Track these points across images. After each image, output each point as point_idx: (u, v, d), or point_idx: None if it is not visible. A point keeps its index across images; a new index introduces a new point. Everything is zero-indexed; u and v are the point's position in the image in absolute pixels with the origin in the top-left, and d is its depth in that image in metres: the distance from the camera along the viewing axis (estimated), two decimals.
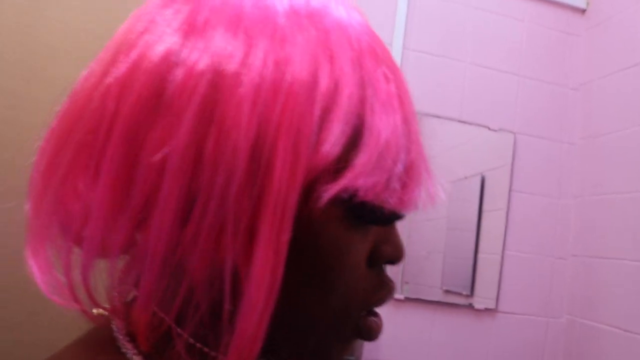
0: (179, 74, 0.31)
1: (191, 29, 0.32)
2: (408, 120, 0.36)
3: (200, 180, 0.30)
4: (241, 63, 0.31)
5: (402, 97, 0.36)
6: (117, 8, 1.57)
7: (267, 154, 0.30)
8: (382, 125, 0.33)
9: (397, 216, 0.38)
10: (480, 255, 1.83)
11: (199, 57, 0.31)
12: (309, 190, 0.32)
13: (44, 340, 1.44)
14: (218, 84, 0.31)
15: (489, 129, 1.88)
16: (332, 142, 0.32)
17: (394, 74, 0.37)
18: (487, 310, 1.83)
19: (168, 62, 0.31)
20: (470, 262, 1.82)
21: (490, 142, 1.88)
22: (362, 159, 0.33)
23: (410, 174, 0.36)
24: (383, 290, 0.40)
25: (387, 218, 0.37)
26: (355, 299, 0.37)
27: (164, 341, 0.34)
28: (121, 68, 0.33)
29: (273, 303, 0.32)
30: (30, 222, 0.35)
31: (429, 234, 1.77)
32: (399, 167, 0.34)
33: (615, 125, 1.78)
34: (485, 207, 1.85)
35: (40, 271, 0.35)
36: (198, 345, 0.35)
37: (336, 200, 0.33)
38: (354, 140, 0.33)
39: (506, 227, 1.87)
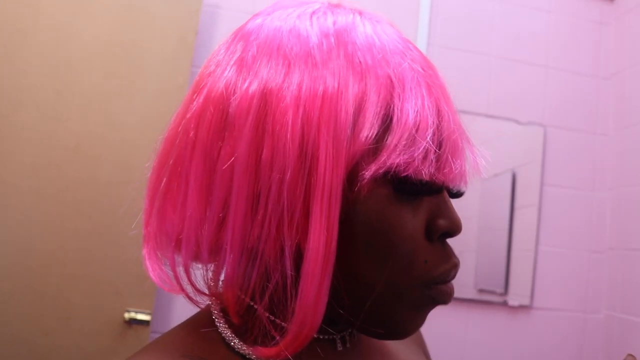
0: (236, 98, 0.39)
1: (243, 63, 0.41)
2: (437, 101, 0.41)
3: (262, 179, 0.38)
4: (283, 81, 0.39)
5: (429, 83, 0.41)
6: (144, 25, 1.60)
7: (312, 149, 0.37)
8: (410, 109, 0.39)
9: (439, 187, 0.42)
10: (514, 253, 1.80)
11: (250, 83, 0.39)
12: (355, 174, 0.39)
13: (76, 345, 1.48)
14: (267, 101, 0.38)
15: (518, 122, 1.85)
16: (367, 130, 0.38)
17: (419, 64, 0.42)
18: (521, 307, 1.80)
19: (228, 92, 0.40)
20: (504, 260, 1.80)
21: (520, 136, 1.85)
22: (394, 139, 0.38)
23: (445, 148, 0.41)
24: (447, 263, 0.43)
25: (429, 189, 0.41)
26: (416, 270, 0.41)
27: (248, 316, 0.42)
28: (196, 104, 0.42)
29: (330, 271, 0.38)
30: (144, 233, 0.44)
31: (461, 233, 1.74)
32: (432, 143, 0.39)
33: None
34: (517, 203, 1.82)
35: (152, 269, 0.44)
36: (272, 317, 0.42)
37: (381, 180, 0.39)
38: (387, 127, 0.39)
39: (539, 222, 1.83)
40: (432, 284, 0.42)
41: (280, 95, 0.38)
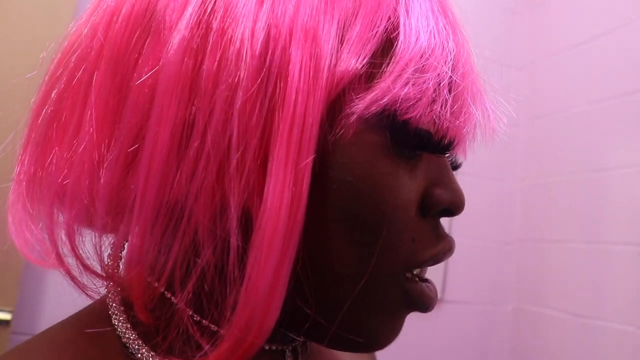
0: None
1: None
2: (454, 27, 0.32)
3: (199, 100, 0.26)
4: None
5: (445, 7, 0.32)
6: None
7: (279, 62, 0.26)
8: (421, 27, 0.29)
9: (449, 143, 0.31)
10: None
11: None
12: (337, 108, 0.28)
13: None
14: None
15: None
16: (359, 47, 0.27)
17: None
18: None
19: None
20: None
21: None
22: (400, 64, 0.28)
23: (464, 88, 0.30)
24: (439, 244, 0.32)
25: (437, 145, 0.30)
26: (402, 252, 0.30)
27: (162, 312, 0.29)
28: (108, 3, 0.29)
29: (293, 250, 0.26)
30: (15, 177, 0.31)
31: None
32: (448, 73, 0.29)
33: (560, 105, 1.74)
34: None
35: (17, 230, 0.31)
36: (197, 317, 0.29)
37: (375, 121, 0.29)
38: (388, 48, 0.29)
39: None
40: (418, 266, 0.32)
41: None
